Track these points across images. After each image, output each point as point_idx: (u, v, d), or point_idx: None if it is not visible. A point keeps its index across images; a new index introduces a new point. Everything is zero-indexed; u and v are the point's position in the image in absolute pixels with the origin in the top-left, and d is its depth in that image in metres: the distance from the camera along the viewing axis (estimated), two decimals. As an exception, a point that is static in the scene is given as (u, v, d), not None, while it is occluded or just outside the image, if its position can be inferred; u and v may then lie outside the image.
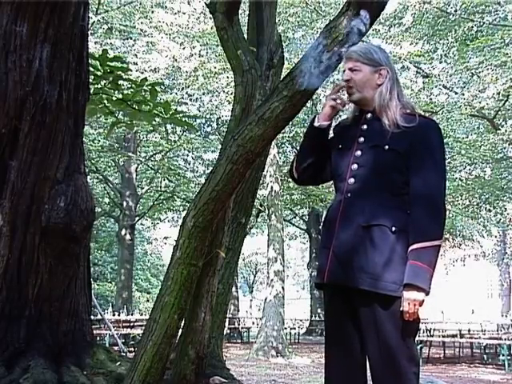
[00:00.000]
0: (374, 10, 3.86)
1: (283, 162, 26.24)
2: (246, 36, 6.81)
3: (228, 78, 21.27)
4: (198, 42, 23.34)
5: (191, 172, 28.72)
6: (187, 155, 28.73)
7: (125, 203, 26.53)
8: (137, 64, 22.52)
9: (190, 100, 25.69)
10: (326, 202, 27.04)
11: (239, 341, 25.35)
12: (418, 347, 16.73)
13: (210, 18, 9.93)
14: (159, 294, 4.46)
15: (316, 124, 3.51)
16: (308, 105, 22.75)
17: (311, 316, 31.23)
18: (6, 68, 5.02)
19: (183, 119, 7.89)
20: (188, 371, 5.13)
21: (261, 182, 8.28)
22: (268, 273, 19.68)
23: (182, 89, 24.80)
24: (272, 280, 18.96)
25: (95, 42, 22.15)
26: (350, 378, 3.30)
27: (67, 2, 5.15)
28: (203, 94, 24.99)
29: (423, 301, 3.09)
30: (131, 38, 24.14)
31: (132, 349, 15.40)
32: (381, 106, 3.37)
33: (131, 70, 8.68)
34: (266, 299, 19.18)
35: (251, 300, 55.16)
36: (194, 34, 23.26)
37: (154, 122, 7.88)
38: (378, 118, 3.38)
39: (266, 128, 3.97)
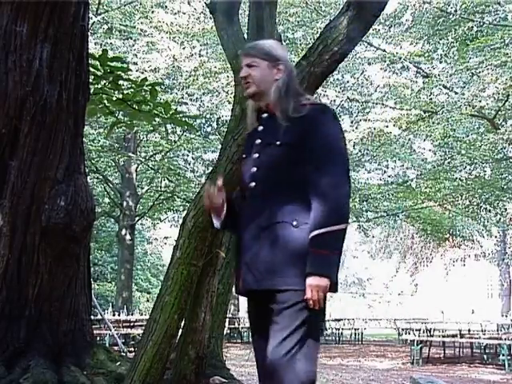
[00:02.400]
0: (373, 10, 3.87)
1: (283, 162, 26.18)
2: (246, 36, 6.82)
3: (228, 77, 21.24)
4: (198, 41, 23.31)
5: (191, 172, 28.67)
6: (187, 155, 28.69)
7: (125, 203, 26.50)
8: (137, 64, 22.47)
9: (190, 100, 25.64)
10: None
11: (239, 341, 25.31)
12: (418, 347, 16.73)
13: (210, 17, 9.93)
14: (159, 293, 4.47)
15: (216, 226, 3.47)
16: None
17: (311, 316, 31.18)
18: (6, 68, 5.02)
19: (183, 119, 7.90)
20: (188, 371, 5.14)
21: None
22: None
23: (182, 88, 24.75)
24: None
25: (95, 43, 22.14)
26: None
27: (67, 2, 5.16)
28: (203, 93, 24.94)
29: (326, 287, 3.04)
30: (131, 38, 24.11)
31: (132, 349, 15.38)
32: (276, 100, 3.29)
33: (131, 70, 8.69)
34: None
35: (251, 300, 55.13)
36: (194, 34, 23.24)
37: (154, 122, 7.89)
38: (273, 116, 3.32)
39: (266, 128, 3.97)
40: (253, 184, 3.29)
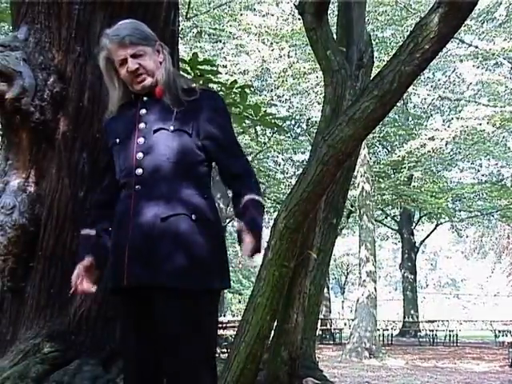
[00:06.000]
0: (465, 7, 3.79)
1: (374, 162, 26.07)
2: (335, 36, 6.79)
3: (317, 78, 21.25)
4: (286, 42, 23.37)
5: (281, 173, 28.79)
6: (277, 157, 28.81)
7: (216, 205, 26.81)
8: (226, 67, 22.69)
9: (280, 101, 25.75)
10: (418, 202, 26.72)
11: (331, 342, 25.31)
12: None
13: (299, 18, 9.94)
14: (251, 295, 4.48)
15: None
16: (398, 104, 22.54)
17: (404, 317, 30.90)
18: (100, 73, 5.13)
19: (273, 121, 7.92)
20: (281, 372, 5.14)
21: (351, 182, 8.24)
22: (360, 273, 19.59)
23: (272, 90, 24.91)
24: (364, 281, 18.85)
25: (185, 46, 22.45)
26: None
27: (158, 8, 5.24)
28: (292, 95, 25.03)
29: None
30: (220, 41, 24.38)
31: (225, 350, 15.51)
32: (167, 84, 3.08)
33: (221, 73, 8.77)
34: (358, 300, 19.08)
35: (343, 301, 54.92)
36: (282, 35, 23.31)
37: (244, 124, 7.93)
38: (157, 100, 3.09)
39: (356, 128, 3.94)
40: (140, 171, 3.01)
